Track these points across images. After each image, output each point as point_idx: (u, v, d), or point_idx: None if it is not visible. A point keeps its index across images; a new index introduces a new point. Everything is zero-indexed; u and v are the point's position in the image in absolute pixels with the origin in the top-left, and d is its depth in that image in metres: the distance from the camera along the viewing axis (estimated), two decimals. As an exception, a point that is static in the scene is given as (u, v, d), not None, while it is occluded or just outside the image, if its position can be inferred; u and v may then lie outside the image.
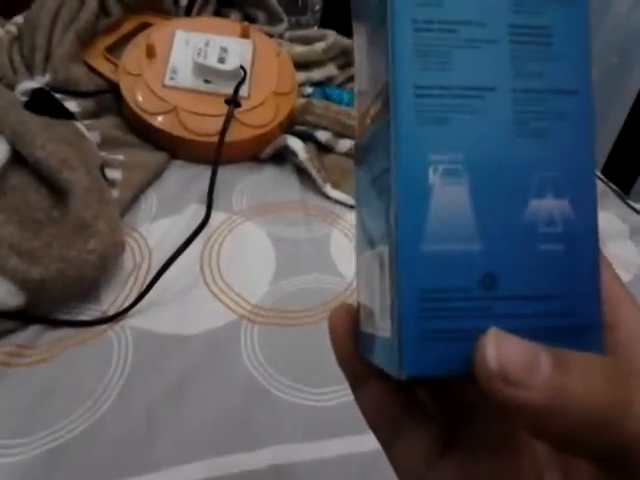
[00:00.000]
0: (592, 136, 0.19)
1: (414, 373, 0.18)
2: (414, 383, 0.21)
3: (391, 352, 0.18)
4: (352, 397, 0.23)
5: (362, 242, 0.23)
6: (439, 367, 0.18)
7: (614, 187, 0.83)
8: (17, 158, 0.57)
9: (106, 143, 0.68)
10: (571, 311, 0.18)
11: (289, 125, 0.76)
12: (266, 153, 0.73)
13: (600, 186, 0.82)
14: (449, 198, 0.18)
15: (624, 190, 0.88)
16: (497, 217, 0.18)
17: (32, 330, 0.49)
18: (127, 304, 0.51)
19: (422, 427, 0.22)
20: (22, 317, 0.49)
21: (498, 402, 0.16)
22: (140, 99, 0.71)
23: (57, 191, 0.56)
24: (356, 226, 0.24)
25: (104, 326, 0.50)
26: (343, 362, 0.23)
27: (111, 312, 0.51)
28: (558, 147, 0.19)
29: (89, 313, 0.52)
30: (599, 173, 0.86)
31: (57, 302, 0.51)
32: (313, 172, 0.69)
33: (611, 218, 0.75)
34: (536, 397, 0.16)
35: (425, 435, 0.22)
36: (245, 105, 0.73)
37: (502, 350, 0.16)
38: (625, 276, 0.64)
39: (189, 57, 0.72)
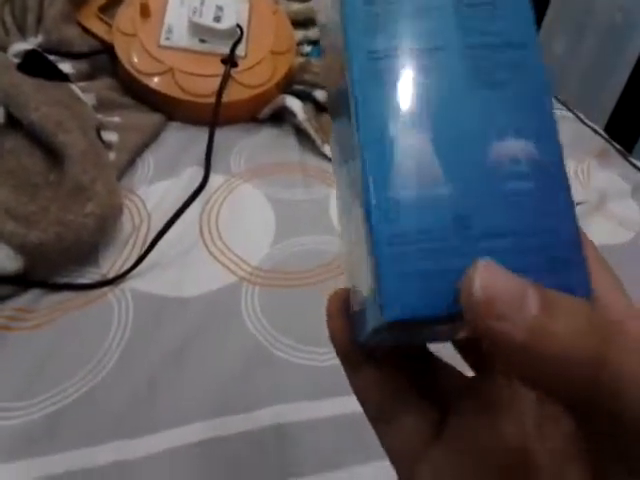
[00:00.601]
0: (547, 85, 0.20)
1: (395, 316, 0.18)
2: (397, 331, 0.21)
3: (373, 304, 0.18)
4: None
5: (342, 210, 0.23)
6: (420, 308, 0.18)
7: (617, 145, 0.82)
8: (11, 121, 0.57)
9: (101, 105, 0.67)
10: (550, 245, 0.18)
11: (287, 85, 0.75)
12: (264, 113, 0.72)
13: (603, 145, 0.81)
14: (412, 147, 0.19)
15: (627, 148, 0.87)
16: (462, 161, 0.19)
17: (32, 294, 0.49)
18: (127, 267, 0.51)
19: (415, 412, 0.22)
20: (21, 281, 0.49)
21: (481, 334, 0.16)
22: (135, 60, 0.70)
23: (53, 154, 0.55)
24: (337, 198, 0.24)
25: (104, 289, 0.50)
26: (340, 348, 0.23)
27: (111, 275, 0.51)
28: (515, 94, 0.19)
29: (89, 276, 0.51)
30: (602, 131, 0.85)
31: (56, 266, 0.51)
32: (312, 132, 0.69)
33: (613, 177, 0.74)
34: (520, 334, 0.15)
35: (418, 420, 0.22)
36: (242, 65, 0.71)
37: (490, 281, 0.16)
38: (627, 234, 0.64)
39: (184, 16, 0.71)
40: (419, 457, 0.22)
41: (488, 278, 0.16)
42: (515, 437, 0.21)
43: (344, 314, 0.23)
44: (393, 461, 0.23)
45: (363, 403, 0.23)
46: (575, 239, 0.19)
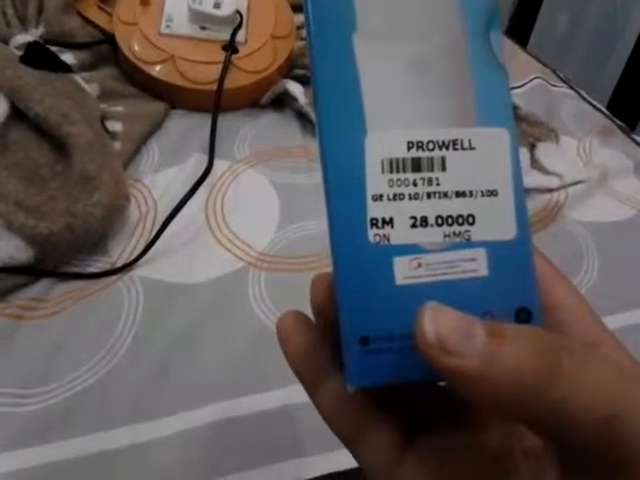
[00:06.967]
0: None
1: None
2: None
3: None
4: None
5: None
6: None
7: (619, 122, 0.82)
8: (17, 113, 0.57)
9: (105, 95, 0.67)
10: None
11: (288, 69, 0.76)
12: (266, 99, 0.72)
13: (605, 122, 0.81)
14: None
15: (630, 125, 0.87)
16: None
17: (43, 284, 0.50)
18: (135, 255, 0.52)
19: (383, 427, 0.22)
20: (32, 271, 0.50)
21: (438, 370, 0.17)
22: (136, 49, 0.70)
23: (59, 145, 0.56)
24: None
25: (113, 277, 0.51)
26: (296, 364, 0.23)
27: (120, 263, 0.52)
28: None
29: (98, 265, 0.52)
30: (604, 108, 0.85)
31: (66, 255, 0.52)
32: (313, 116, 0.69)
33: (616, 154, 0.74)
34: (471, 365, 0.16)
35: (390, 430, 0.22)
36: (243, 51, 0.72)
37: (439, 322, 0.17)
38: (629, 211, 0.64)
39: (184, 4, 0.71)
40: (395, 470, 0.21)
41: (436, 320, 0.17)
42: (488, 439, 0.21)
43: (298, 330, 0.23)
44: (370, 477, 0.22)
45: (333, 425, 0.23)
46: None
